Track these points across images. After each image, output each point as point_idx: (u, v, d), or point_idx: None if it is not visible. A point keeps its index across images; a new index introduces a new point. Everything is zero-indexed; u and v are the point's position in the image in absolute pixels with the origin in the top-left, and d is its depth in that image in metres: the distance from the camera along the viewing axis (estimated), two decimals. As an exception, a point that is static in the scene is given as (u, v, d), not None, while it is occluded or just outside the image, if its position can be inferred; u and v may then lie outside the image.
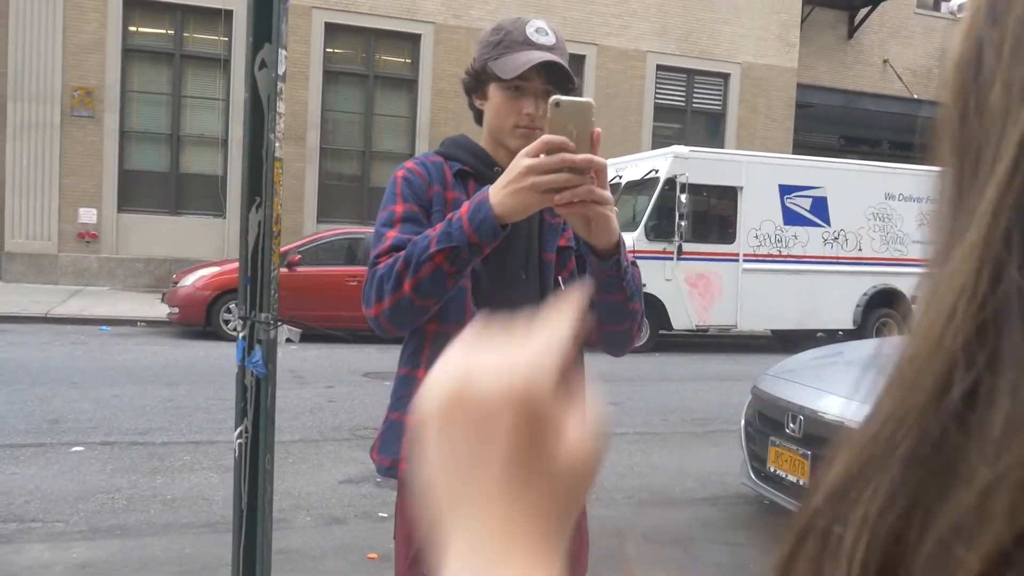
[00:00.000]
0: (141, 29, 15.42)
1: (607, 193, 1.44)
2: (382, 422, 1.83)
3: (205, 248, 15.14)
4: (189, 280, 11.12)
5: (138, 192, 15.36)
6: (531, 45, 1.67)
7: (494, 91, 1.71)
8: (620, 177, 12.30)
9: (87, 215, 14.94)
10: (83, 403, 6.90)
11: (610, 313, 1.67)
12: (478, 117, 1.82)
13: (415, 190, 1.73)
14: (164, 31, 15.53)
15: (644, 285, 1.78)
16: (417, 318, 1.63)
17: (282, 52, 1.83)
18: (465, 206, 1.54)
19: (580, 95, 1.54)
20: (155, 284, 14.77)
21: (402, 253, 1.58)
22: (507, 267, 1.74)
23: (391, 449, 1.77)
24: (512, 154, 1.73)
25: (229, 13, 15.28)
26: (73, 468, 5.28)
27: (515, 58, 1.65)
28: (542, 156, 1.40)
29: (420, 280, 1.54)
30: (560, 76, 1.68)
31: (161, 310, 11.52)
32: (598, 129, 1.40)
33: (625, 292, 1.63)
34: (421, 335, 1.74)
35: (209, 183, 15.51)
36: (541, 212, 1.70)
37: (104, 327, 11.33)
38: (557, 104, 1.39)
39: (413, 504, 1.76)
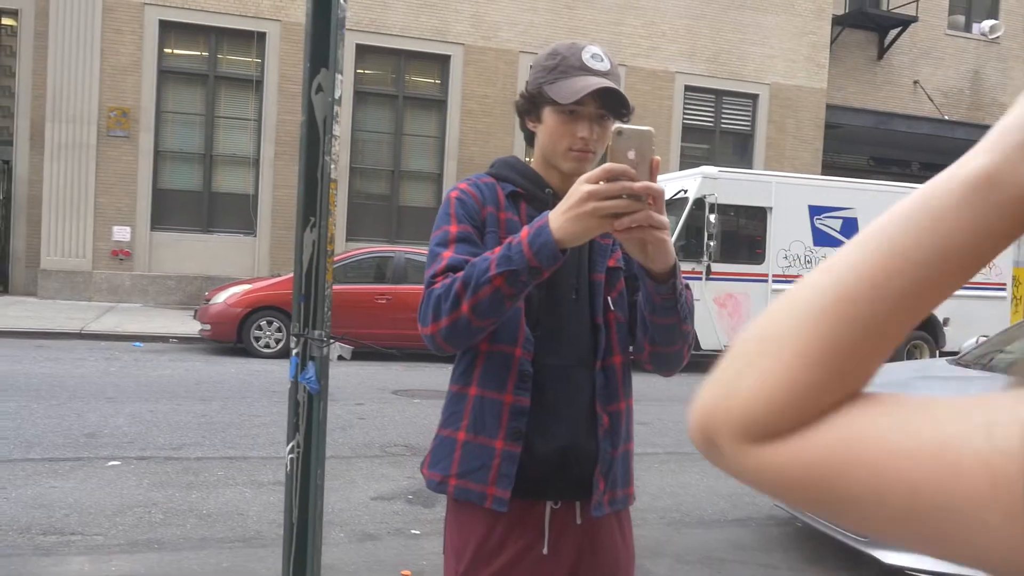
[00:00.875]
0: (176, 51, 15.71)
1: (664, 218, 1.46)
2: (433, 438, 1.85)
3: (236, 266, 15.32)
4: (221, 297, 11.24)
5: (171, 211, 15.59)
6: (587, 71, 1.70)
7: (549, 114, 1.74)
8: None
9: (121, 233, 15.18)
10: (119, 418, 6.99)
11: (663, 334, 1.69)
12: (529, 138, 1.85)
13: (469, 211, 1.76)
14: (199, 53, 15.80)
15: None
16: (473, 338, 1.65)
17: (338, 77, 1.88)
18: (525, 230, 1.55)
19: (633, 121, 1.57)
20: (186, 301, 14.94)
21: (460, 274, 1.60)
22: (558, 287, 1.76)
23: (441, 464, 1.80)
24: (564, 176, 1.76)
25: (262, 35, 15.54)
26: (111, 482, 5.35)
27: (572, 83, 1.68)
28: (602, 183, 1.43)
29: (479, 301, 1.56)
30: (615, 101, 1.70)
31: (193, 327, 11.65)
32: (657, 157, 1.42)
33: (679, 315, 1.65)
34: (473, 354, 1.77)
35: (240, 202, 15.72)
36: (591, 233, 1.73)
37: (137, 343, 11.49)
38: (620, 132, 1.41)
39: (461, 519, 1.78)
